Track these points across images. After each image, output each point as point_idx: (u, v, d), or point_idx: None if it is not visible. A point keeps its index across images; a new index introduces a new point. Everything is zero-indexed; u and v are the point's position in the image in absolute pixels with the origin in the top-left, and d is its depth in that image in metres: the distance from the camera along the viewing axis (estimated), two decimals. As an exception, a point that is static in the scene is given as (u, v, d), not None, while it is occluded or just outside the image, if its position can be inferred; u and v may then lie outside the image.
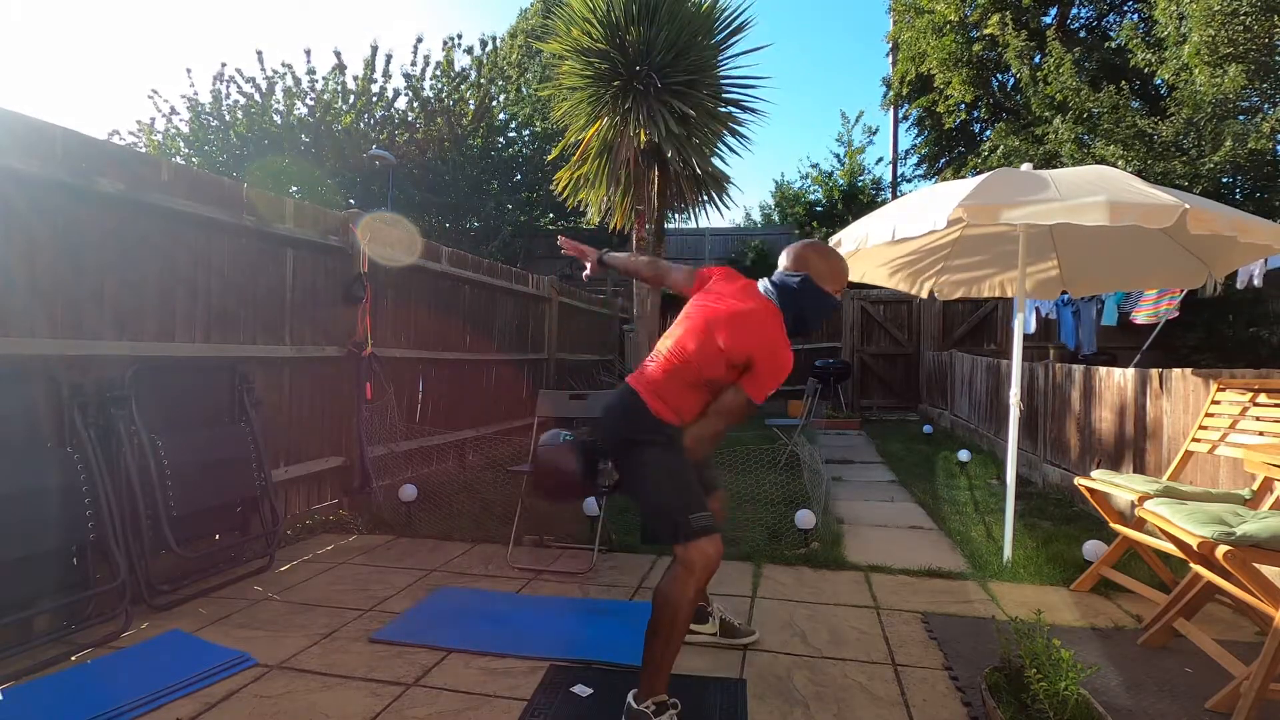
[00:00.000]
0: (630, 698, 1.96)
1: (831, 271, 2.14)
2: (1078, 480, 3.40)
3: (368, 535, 4.05)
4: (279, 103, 11.45)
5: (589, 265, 2.59)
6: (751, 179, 51.63)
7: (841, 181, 15.91)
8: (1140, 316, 7.39)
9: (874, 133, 15.31)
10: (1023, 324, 3.71)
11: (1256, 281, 6.15)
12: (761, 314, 2.05)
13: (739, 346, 1.98)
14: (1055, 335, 8.85)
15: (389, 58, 11.76)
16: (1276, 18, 6.57)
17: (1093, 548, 3.27)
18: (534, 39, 13.32)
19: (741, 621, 2.72)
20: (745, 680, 2.31)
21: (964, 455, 5.98)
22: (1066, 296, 7.33)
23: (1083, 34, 11.89)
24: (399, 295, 4.98)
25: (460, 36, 14.01)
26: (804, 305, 2.09)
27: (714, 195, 6.21)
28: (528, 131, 13.46)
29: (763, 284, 2.15)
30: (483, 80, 12.48)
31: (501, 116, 13.23)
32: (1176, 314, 7.24)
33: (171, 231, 3.22)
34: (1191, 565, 2.43)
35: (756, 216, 20.30)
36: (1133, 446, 4.16)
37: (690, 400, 2.05)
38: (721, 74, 6.09)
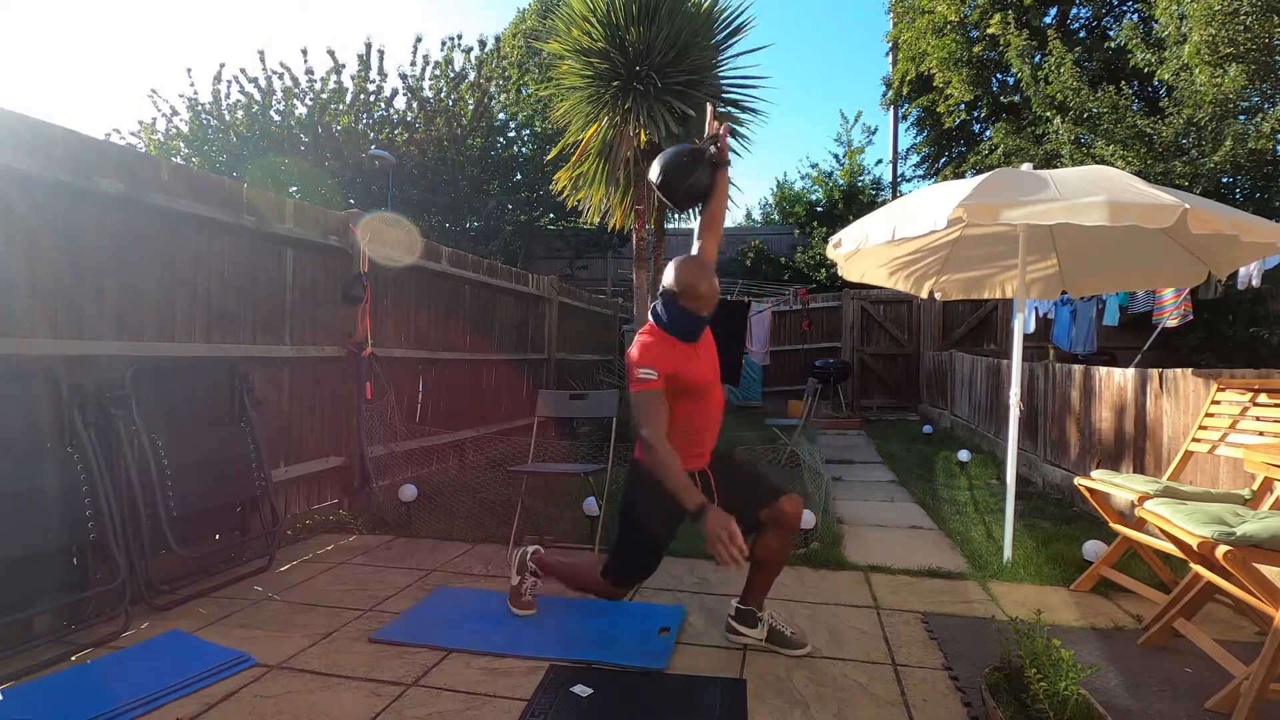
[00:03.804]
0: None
1: (682, 289, 2.29)
2: (1078, 480, 3.40)
3: (368, 535, 4.05)
4: (279, 102, 11.44)
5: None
6: (751, 179, 51.77)
7: (841, 182, 15.93)
8: (1166, 319, 7.33)
9: (873, 132, 15.37)
10: (1023, 324, 3.71)
11: (1255, 281, 6.16)
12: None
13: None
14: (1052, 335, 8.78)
15: (382, 54, 11.74)
16: (1276, 18, 6.56)
17: (1093, 548, 3.27)
18: (533, 39, 13.32)
19: (796, 631, 2.53)
20: (745, 680, 2.31)
21: (964, 455, 5.98)
22: (1066, 296, 7.32)
23: (1082, 34, 11.89)
24: (399, 295, 4.98)
25: (460, 37, 14.01)
26: (668, 320, 2.32)
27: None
28: (527, 132, 13.46)
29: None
30: (481, 80, 12.48)
31: (501, 116, 13.23)
32: (1191, 316, 7.22)
33: (172, 231, 3.22)
34: (1191, 565, 2.43)
35: (757, 216, 20.31)
36: (1133, 446, 4.16)
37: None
38: (721, 74, 6.09)
